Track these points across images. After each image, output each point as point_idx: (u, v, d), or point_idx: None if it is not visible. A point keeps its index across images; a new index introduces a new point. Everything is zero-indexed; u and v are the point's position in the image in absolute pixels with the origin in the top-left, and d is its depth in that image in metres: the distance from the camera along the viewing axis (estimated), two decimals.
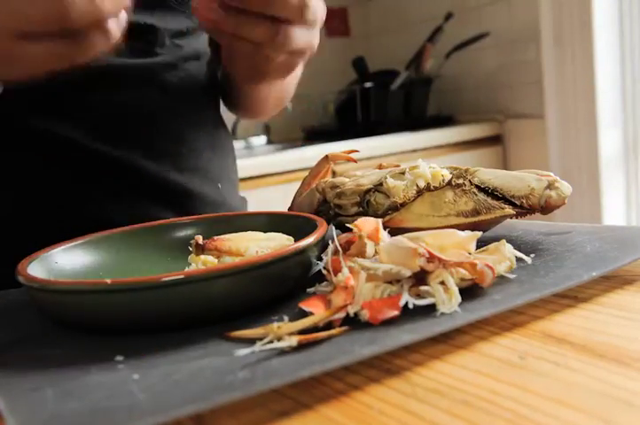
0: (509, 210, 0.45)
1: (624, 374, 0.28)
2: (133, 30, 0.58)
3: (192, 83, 0.66)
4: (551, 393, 0.27)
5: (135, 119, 0.60)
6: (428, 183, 0.47)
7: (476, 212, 0.45)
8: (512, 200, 0.46)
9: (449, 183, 0.47)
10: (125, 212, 0.60)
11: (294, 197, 0.57)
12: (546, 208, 0.46)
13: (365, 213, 0.48)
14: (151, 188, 0.62)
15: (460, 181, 0.47)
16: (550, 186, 0.46)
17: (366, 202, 0.49)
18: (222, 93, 0.76)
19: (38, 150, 0.56)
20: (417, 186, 0.47)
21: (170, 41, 0.63)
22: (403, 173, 0.49)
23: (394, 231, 0.42)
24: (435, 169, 0.49)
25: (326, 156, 0.57)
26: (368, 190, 0.49)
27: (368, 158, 1.72)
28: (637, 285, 0.40)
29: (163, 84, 0.62)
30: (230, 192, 0.72)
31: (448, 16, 2.03)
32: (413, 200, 0.47)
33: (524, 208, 0.46)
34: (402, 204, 0.47)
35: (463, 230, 0.39)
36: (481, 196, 0.46)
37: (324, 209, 0.52)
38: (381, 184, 0.48)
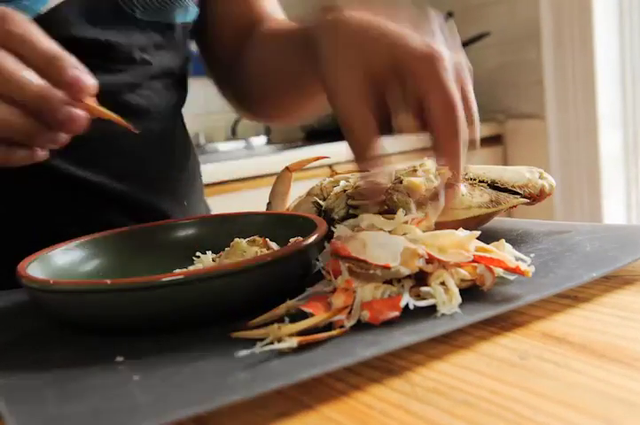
0: (522, 199, 0.48)
1: (624, 374, 0.28)
2: (93, 47, 0.56)
3: (159, 102, 0.64)
4: (552, 393, 0.27)
5: (98, 140, 0.58)
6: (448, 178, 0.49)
7: (496, 203, 0.47)
8: (515, 190, 0.48)
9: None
10: (89, 224, 0.58)
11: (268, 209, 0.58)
12: (539, 197, 0.48)
13: (392, 211, 0.48)
14: (117, 205, 0.62)
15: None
16: (540, 176, 0.49)
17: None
18: (246, 103, 0.75)
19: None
20: (443, 180, 0.49)
21: (140, 56, 0.61)
22: (416, 171, 0.49)
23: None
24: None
25: (287, 167, 0.58)
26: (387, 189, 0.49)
27: None
28: (637, 285, 0.40)
29: (126, 104, 0.60)
30: (194, 206, 0.72)
31: (449, 15, 2.03)
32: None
33: (526, 197, 0.48)
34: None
35: (483, 221, 0.39)
36: (488, 189, 0.47)
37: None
38: (400, 182, 0.49)
